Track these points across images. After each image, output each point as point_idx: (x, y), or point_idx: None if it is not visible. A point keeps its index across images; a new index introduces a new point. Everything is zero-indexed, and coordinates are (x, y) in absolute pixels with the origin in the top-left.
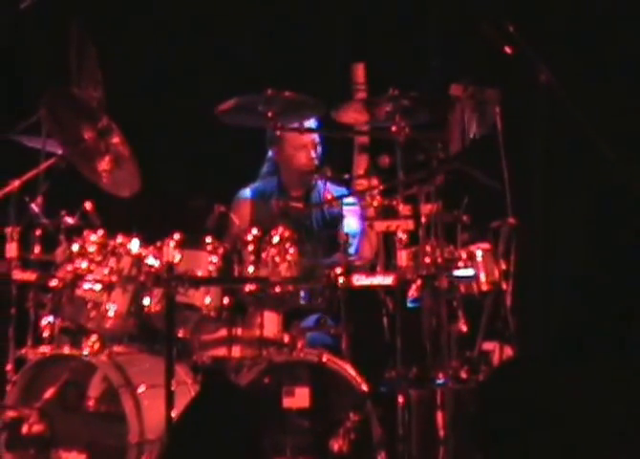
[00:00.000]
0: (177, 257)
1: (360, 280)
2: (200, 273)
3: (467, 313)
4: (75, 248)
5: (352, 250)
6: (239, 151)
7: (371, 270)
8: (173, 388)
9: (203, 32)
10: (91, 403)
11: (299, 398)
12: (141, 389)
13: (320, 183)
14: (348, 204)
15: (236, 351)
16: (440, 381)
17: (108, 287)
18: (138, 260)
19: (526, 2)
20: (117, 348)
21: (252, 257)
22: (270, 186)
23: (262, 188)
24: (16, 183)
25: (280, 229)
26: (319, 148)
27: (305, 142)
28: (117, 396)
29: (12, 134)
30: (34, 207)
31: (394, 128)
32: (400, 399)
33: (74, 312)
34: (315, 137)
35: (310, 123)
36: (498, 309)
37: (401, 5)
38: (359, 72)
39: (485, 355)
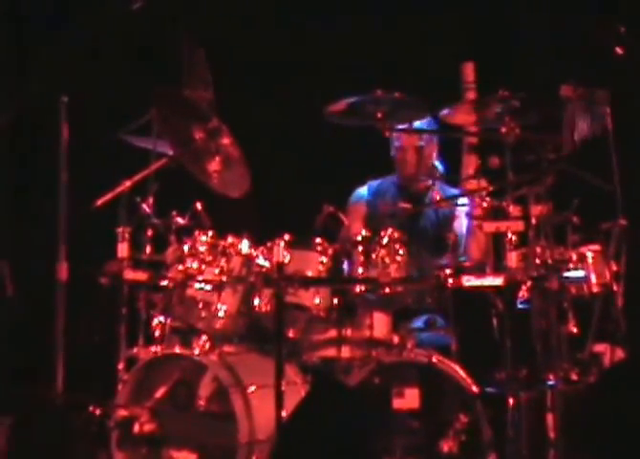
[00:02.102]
0: (287, 258)
1: (470, 281)
2: (309, 274)
3: (578, 314)
4: (186, 248)
5: (461, 250)
6: (349, 151)
7: (480, 271)
8: (283, 388)
9: (313, 33)
10: (201, 402)
11: (409, 399)
12: (251, 389)
13: (435, 183)
14: (459, 204)
15: (345, 351)
16: (550, 382)
17: (218, 287)
18: (249, 260)
19: (637, 3)
20: (227, 348)
21: (362, 258)
22: (387, 185)
23: (380, 186)
24: (127, 183)
25: (389, 230)
26: (427, 151)
27: (404, 145)
28: (227, 396)
29: (124, 134)
30: (145, 207)
31: (503, 129)
32: (510, 400)
33: (185, 312)
34: (420, 139)
35: (420, 124)
36: (608, 310)
37: (510, 4)
38: (469, 71)
39: (596, 357)
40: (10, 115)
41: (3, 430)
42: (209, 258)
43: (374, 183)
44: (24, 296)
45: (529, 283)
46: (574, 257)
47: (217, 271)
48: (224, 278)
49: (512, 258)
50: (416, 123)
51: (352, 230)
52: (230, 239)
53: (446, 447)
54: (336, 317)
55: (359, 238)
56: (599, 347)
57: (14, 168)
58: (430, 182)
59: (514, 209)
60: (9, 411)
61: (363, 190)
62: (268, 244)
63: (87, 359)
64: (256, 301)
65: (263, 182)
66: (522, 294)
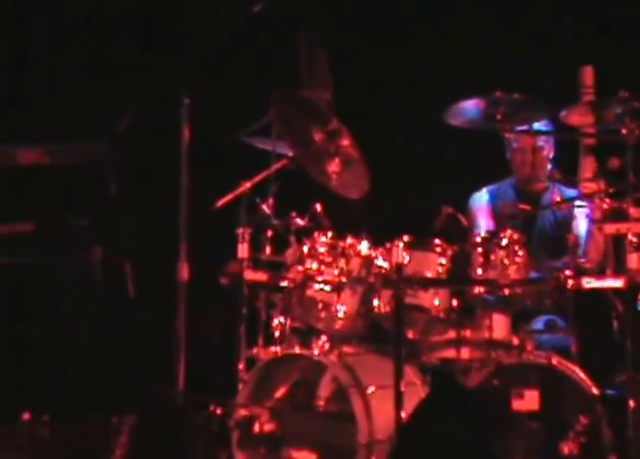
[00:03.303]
0: (406, 259)
1: (590, 283)
2: (428, 275)
3: None
4: (306, 249)
5: (580, 252)
6: (467, 153)
7: (600, 272)
8: (402, 389)
9: (435, 33)
10: (321, 402)
11: (528, 400)
12: (371, 390)
13: (552, 185)
14: (578, 206)
15: (465, 353)
16: None
17: (338, 288)
18: (368, 261)
19: None
20: (346, 348)
21: (481, 259)
22: (505, 187)
23: (498, 190)
24: (247, 184)
25: (509, 232)
26: (545, 152)
27: (523, 146)
28: (346, 396)
29: (243, 136)
30: (265, 208)
31: (623, 130)
32: (631, 402)
33: (305, 312)
34: (538, 140)
35: (539, 126)
36: None
37: (630, 6)
38: (588, 75)
39: None
40: (131, 117)
41: (125, 430)
42: (329, 259)
43: (492, 186)
44: (145, 297)
45: None
46: None
47: (336, 271)
48: (344, 279)
49: (633, 260)
50: (535, 125)
51: (482, 226)
52: (350, 240)
53: (566, 448)
54: (455, 319)
55: (478, 239)
56: None
57: (135, 170)
58: (547, 183)
59: (635, 211)
60: (131, 411)
61: (482, 193)
62: (388, 245)
63: (208, 359)
64: (375, 302)
65: (382, 183)
66: None
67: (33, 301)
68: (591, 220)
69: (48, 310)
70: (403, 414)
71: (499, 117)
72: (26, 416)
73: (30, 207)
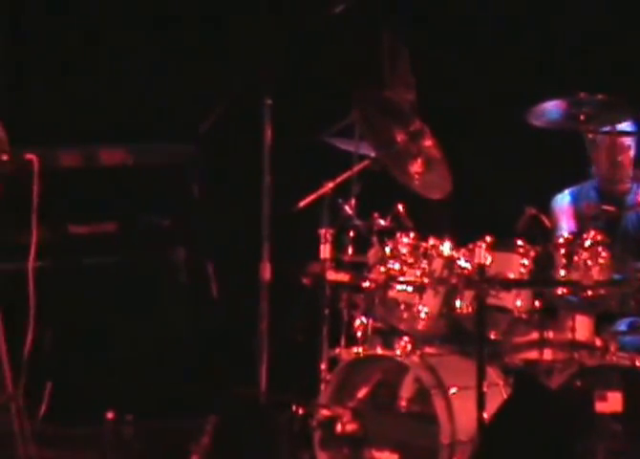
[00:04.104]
0: (488, 260)
1: None
2: (511, 276)
3: None
4: (388, 249)
5: None
6: (550, 154)
7: None
8: (484, 390)
9: (510, 33)
10: (403, 403)
11: (611, 402)
12: (453, 391)
13: (636, 185)
14: None
15: (547, 354)
16: None
17: (420, 289)
18: (450, 262)
19: None
20: (428, 349)
21: (564, 260)
22: (587, 189)
23: (580, 191)
24: (330, 185)
25: (592, 233)
26: (628, 153)
27: (605, 147)
28: (428, 397)
29: (326, 136)
30: (347, 208)
31: None
32: None
33: (387, 313)
34: (621, 141)
35: (623, 126)
36: None
37: None
38: None
39: None
40: (215, 117)
41: (208, 430)
42: (411, 260)
43: (574, 188)
44: (228, 297)
45: None
46: None
47: (418, 272)
48: (426, 280)
49: None
50: (619, 126)
51: (564, 228)
52: (432, 241)
53: None
54: (538, 320)
55: (562, 240)
56: None
57: (218, 170)
58: (630, 184)
59: None
60: (213, 411)
61: (564, 195)
62: (470, 246)
63: (290, 359)
64: (457, 303)
65: (465, 183)
66: None
67: (117, 302)
68: None
69: (131, 310)
70: (485, 415)
71: (582, 117)
72: (110, 416)
73: (113, 208)
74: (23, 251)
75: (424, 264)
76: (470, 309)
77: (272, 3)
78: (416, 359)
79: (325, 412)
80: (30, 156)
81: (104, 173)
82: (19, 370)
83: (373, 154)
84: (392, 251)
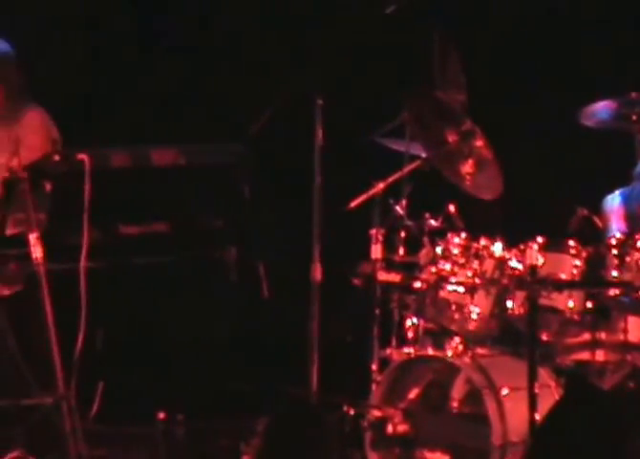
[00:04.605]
0: (540, 260)
1: None
2: (563, 277)
3: None
4: (439, 250)
5: None
6: (603, 153)
7: None
8: (536, 391)
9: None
10: (454, 404)
11: None
12: (505, 392)
13: None
14: None
15: (599, 355)
16: None
17: (471, 289)
18: (502, 263)
19: None
20: (480, 350)
21: (616, 261)
22: (638, 190)
23: (632, 192)
24: (381, 185)
25: None
26: None
27: None
28: (480, 398)
29: (377, 137)
30: (399, 209)
31: None
32: None
33: (438, 313)
34: None
35: None
36: None
37: None
38: None
39: None
40: (266, 118)
41: (259, 431)
42: (462, 260)
43: (625, 189)
44: (279, 298)
45: None
46: None
47: (470, 273)
48: (477, 280)
49: None
50: None
51: (615, 229)
52: (483, 241)
53: None
54: (590, 321)
55: (614, 241)
56: None
57: (269, 170)
58: None
59: None
60: (264, 412)
61: (615, 196)
62: (522, 246)
63: (341, 359)
64: (509, 304)
65: (516, 184)
66: None
67: (168, 302)
68: None
69: (182, 310)
70: (537, 416)
71: (633, 118)
72: (161, 416)
73: (164, 208)
74: (74, 251)
75: (475, 264)
76: (522, 310)
77: (324, 3)
78: (467, 359)
79: (376, 413)
80: (81, 156)
81: (155, 173)
82: (70, 370)
83: (423, 154)
84: (443, 251)
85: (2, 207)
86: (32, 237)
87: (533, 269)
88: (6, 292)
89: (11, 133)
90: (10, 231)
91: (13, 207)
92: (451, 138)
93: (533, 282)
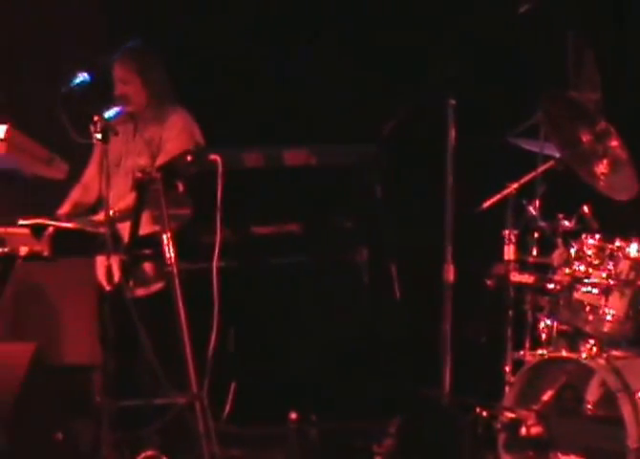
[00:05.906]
0: None
1: None
2: None
3: None
4: (573, 251)
5: None
6: None
7: None
8: None
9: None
10: (588, 406)
11: None
12: None
13: None
14: None
15: None
16: None
17: (605, 291)
18: (637, 264)
19: None
20: (615, 352)
21: None
22: None
23: None
24: (514, 186)
25: None
26: None
27: None
28: (615, 400)
29: (511, 137)
30: (532, 209)
31: None
32: None
33: (572, 315)
34: None
35: None
36: None
37: None
38: None
39: None
40: (398, 118)
41: (391, 431)
42: (596, 262)
43: None
44: (411, 298)
45: None
46: None
47: (604, 274)
48: (612, 282)
49: None
50: None
51: None
52: (618, 242)
53: None
54: None
55: None
56: None
57: (401, 171)
58: None
59: None
60: (397, 412)
61: None
62: None
63: (474, 360)
64: None
65: None
66: None
67: (300, 302)
68: None
69: (313, 310)
70: None
71: None
72: (293, 416)
73: (296, 209)
74: (207, 250)
75: (610, 266)
76: None
77: (458, 4)
78: (601, 361)
79: (509, 415)
80: (214, 157)
81: (288, 174)
82: (203, 370)
83: (557, 154)
84: (577, 252)
85: (136, 207)
86: (166, 237)
87: None
88: (141, 292)
89: (155, 135)
90: (143, 231)
91: (148, 207)
92: (585, 138)
93: None
